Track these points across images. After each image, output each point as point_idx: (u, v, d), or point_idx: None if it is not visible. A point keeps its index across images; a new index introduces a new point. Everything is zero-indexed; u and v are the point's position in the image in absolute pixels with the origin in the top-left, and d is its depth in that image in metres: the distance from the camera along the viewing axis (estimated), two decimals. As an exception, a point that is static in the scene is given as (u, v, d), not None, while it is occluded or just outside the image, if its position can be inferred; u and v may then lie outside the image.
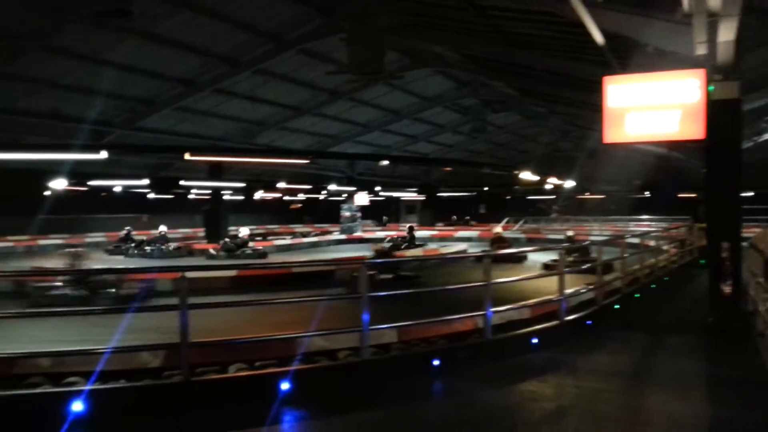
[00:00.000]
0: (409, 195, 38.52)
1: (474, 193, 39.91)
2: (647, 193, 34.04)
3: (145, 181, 25.31)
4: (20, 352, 5.60)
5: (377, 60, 14.45)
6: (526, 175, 24.65)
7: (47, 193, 27.11)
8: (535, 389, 5.81)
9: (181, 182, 25.42)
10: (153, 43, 14.99)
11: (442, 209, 38.67)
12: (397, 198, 41.07)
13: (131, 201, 33.65)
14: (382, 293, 6.51)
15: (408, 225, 24.68)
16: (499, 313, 6.98)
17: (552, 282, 8.09)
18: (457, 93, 24.54)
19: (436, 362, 6.18)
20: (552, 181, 29.03)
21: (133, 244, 23.37)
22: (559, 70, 14.98)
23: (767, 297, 6.53)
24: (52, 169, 22.52)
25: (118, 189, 29.72)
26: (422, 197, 37.98)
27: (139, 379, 5.40)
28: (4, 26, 12.71)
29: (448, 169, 33.40)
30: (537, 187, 32.29)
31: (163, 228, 23.74)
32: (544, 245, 23.58)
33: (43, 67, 15.09)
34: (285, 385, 5.37)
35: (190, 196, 33.62)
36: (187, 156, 14.14)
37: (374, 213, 39.51)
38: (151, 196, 33.79)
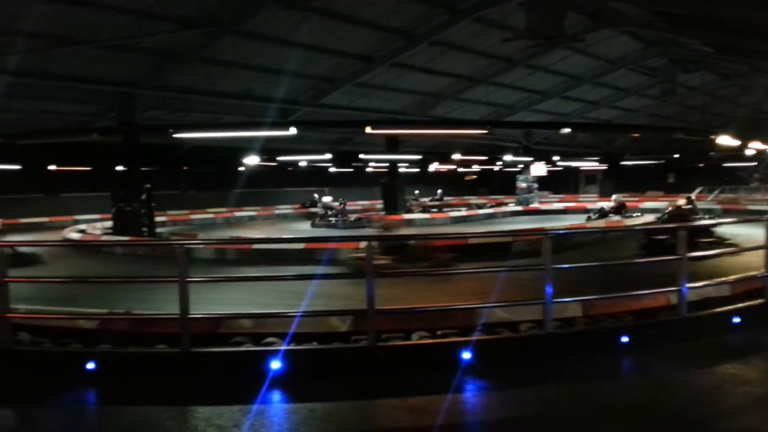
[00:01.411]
0: (589, 165, 36.82)
1: (662, 162, 37.17)
2: None
3: (328, 156, 26.54)
4: (226, 313, 6.15)
5: (557, 23, 13.88)
6: (725, 140, 22.44)
7: (241, 168, 29.41)
8: (738, 372, 5.32)
9: (360, 156, 26.33)
10: (334, 21, 15.56)
11: (626, 179, 36.55)
12: (576, 168, 39.47)
13: (314, 175, 35.51)
14: (566, 266, 6.27)
15: (614, 195, 23.40)
16: (695, 289, 6.47)
17: (756, 257, 7.32)
18: (643, 54, 22.95)
19: (624, 339, 5.88)
20: (755, 146, 26.17)
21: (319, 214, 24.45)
22: (763, 22, 13.39)
23: None
24: (245, 146, 24.37)
25: (303, 164, 31.47)
26: (603, 167, 36.16)
27: (329, 342, 5.70)
28: (202, 14, 13.87)
29: (636, 135, 31.39)
30: (735, 153, 29.30)
31: (326, 199, 24.61)
32: (744, 217, 21.43)
33: (235, 51, 16.27)
34: (466, 355, 5.40)
35: (368, 170, 34.81)
36: (368, 130, 14.59)
37: (551, 184, 38.33)
38: (332, 169, 35.47)
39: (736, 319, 6.48)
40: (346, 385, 5.16)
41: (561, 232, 10.22)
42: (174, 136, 17.72)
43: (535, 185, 32.29)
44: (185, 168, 31.52)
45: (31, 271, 11.67)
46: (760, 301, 6.78)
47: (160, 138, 21.10)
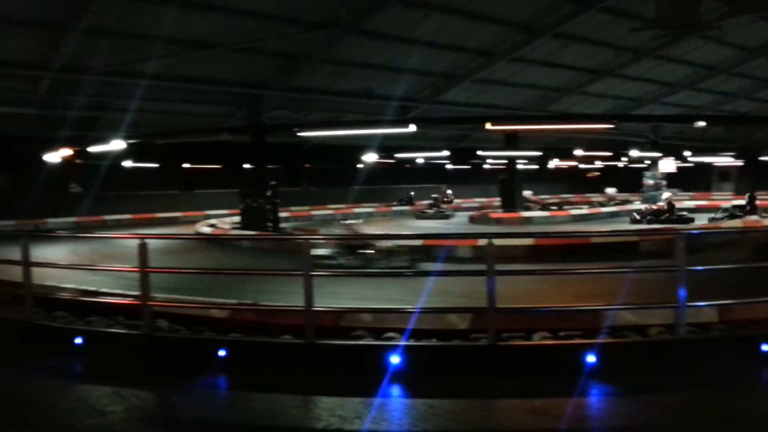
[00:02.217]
0: (723, 160, 34.48)
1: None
2: None
3: (444, 153, 26.51)
4: (347, 307, 6.30)
5: (691, 10, 13.09)
6: None
7: (359, 166, 30.00)
8: None
9: (478, 152, 26.11)
10: (455, 16, 15.49)
11: (765, 176, 33.90)
12: (709, 164, 37.10)
13: (431, 172, 35.57)
14: (701, 267, 5.89)
15: (748, 193, 22.04)
16: None
17: None
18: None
19: (766, 347, 5.45)
20: None
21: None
22: None
23: None
24: (363, 144, 24.82)
25: (420, 161, 31.63)
26: (740, 163, 33.75)
27: (448, 340, 5.69)
28: (325, 15, 14.26)
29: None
30: None
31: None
32: None
33: (356, 50, 16.60)
34: (590, 358, 5.20)
35: (485, 167, 34.45)
36: (488, 126, 14.41)
37: (681, 181, 36.22)
38: (449, 166, 35.40)
39: None
40: (465, 383, 5.12)
41: (695, 232, 9.59)
42: (298, 134, 18.35)
43: (664, 182, 30.65)
44: (306, 165, 32.58)
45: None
46: None
47: (284, 137, 21.91)
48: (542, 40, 17.64)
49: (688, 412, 4.58)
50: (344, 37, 15.61)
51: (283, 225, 19.94)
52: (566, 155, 30.81)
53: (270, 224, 18.04)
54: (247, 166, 19.97)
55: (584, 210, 27.17)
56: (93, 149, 19.95)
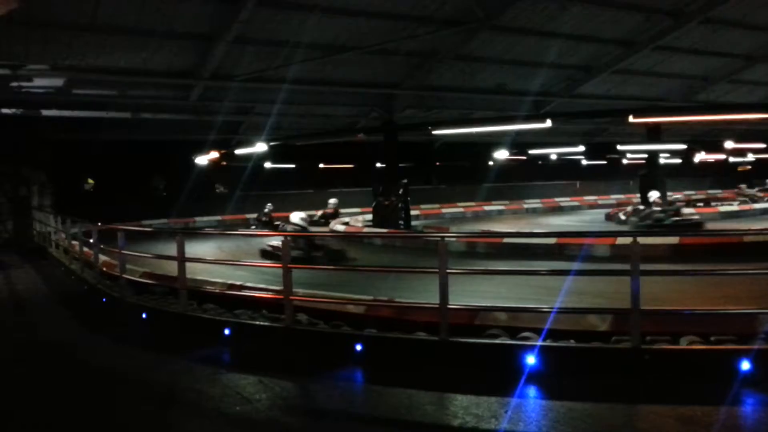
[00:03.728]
0: None
1: None
2: None
3: (580, 148, 25.63)
4: (482, 306, 6.26)
5: None
6: None
7: (490, 163, 29.67)
8: None
9: (618, 147, 25.00)
10: (593, 6, 14.95)
11: None
12: None
13: (565, 168, 34.51)
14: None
15: None
16: None
17: None
18: None
19: None
20: None
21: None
22: None
23: None
24: (494, 141, 24.52)
25: (553, 157, 30.78)
26: None
27: (587, 341, 5.51)
28: (458, 13, 14.24)
29: None
30: None
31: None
32: None
33: (489, 46, 16.43)
34: (745, 365, 4.87)
35: (624, 161, 32.91)
36: (631, 119, 13.70)
37: None
38: (584, 162, 34.17)
39: None
40: (605, 387, 4.97)
41: None
42: (432, 133, 18.47)
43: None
44: (437, 163, 32.69)
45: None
46: None
47: (415, 135, 22.12)
48: (689, 26, 16.57)
49: None
50: (478, 34, 15.49)
51: (414, 223, 20.14)
52: (714, 148, 28.74)
53: (401, 222, 18.28)
54: (379, 165, 20.36)
55: (735, 206, 25.21)
56: (237, 152, 21.16)
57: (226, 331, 6.57)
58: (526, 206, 30.90)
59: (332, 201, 22.79)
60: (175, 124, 21.28)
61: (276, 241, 11.92)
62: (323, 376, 5.51)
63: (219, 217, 25.67)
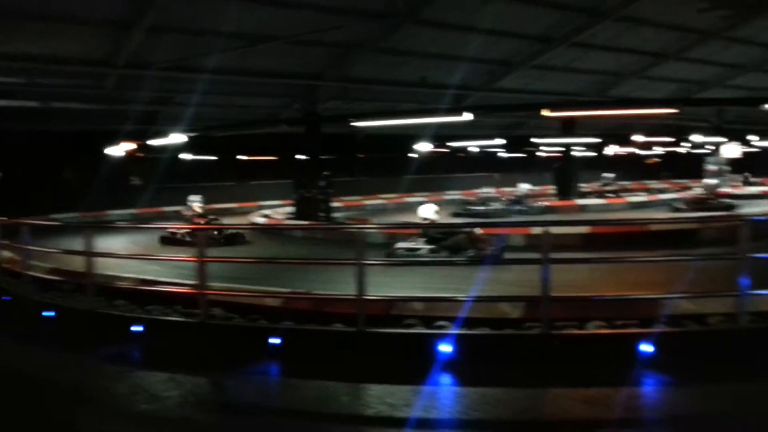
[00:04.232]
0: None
1: None
2: None
3: (498, 141, 26.17)
4: (398, 296, 6.31)
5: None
6: None
7: (412, 155, 29.91)
8: None
9: (533, 140, 25.67)
10: (513, 3, 15.25)
11: None
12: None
13: (484, 160, 35.19)
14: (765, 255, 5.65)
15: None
16: None
17: None
18: None
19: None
20: None
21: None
22: None
23: None
24: (417, 133, 24.73)
25: (474, 149, 31.33)
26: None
27: (500, 329, 5.64)
28: (383, 6, 14.25)
29: None
30: None
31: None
32: None
33: (412, 40, 16.52)
34: (647, 347, 5.09)
35: (540, 154, 33.88)
36: (544, 112, 14.13)
37: (747, 167, 34.82)
38: (503, 155, 34.97)
39: None
40: (517, 372, 5.08)
41: (761, 218, 9.19)
42: (352, 125, 18.44)
43: (727, 168, 29.51)
44: (359, 155, 32.67)
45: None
46: None
47: (338, 127, 22.05)
48: (605, 23, 17.19)
49: (746, 403, 4.46)
50: (401, 27, 15.56)
51: (335, 215, 20.08)
52: (625, 142, 30.00)
53: (323, 214, 18.20)
54: (301, 156, 20.18)
55: (643, 197, 26.40)
56: (153, 142, 20.51)
57: (138, 328, 6.35)
58: (446, 197, 31.34)
59: (193, 199, 17.38)
60: (89, 113, 20.44)
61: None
62: (238, 371, 5.41)
63: (134, 210, 24.83)
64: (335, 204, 20.95)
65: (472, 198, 25.11)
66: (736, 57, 22.46)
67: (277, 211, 21.05)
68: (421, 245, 11.37)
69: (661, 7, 16.88)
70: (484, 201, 22.44)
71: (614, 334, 5.38)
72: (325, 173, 18.75)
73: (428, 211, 12.32)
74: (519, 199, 22.70)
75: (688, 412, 4.36)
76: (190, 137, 19.09)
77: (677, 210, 21.49)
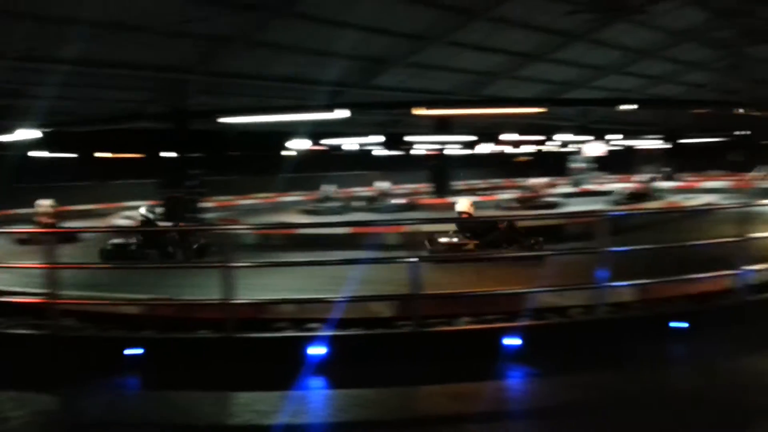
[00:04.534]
0: (650, 143, 35.65)
1: (727, 139, 35.64)
2: None
3: (375, 138, 26.30)
4: (268, 299, 6.11)
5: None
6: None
7: (289, 153, 29.46)
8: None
9: (407, 138, 26.01)
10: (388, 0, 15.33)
11: (688, 158, 35.23)
12: (636, 147, 38.22)
13: (362, 158, 35.31)
14: (624, 248, 5.98)
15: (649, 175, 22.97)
16: (758, 272, 6.11)
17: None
18: (711, 25, 21.83)
19: (680, 324, 5.59)
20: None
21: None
22: None
23: None
24: (294, 131, 24.40)
25: (352, 147, 31.31)
26: (665, 145, 34.98)
27: (373, 328, 5.59)
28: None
29: (699, 112, 30.09)
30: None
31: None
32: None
33: (287, 34, 16.21)
34: (513, 341, 5.24)
35: (418, 152, 34.45)
36: (415, 111, 14.35)
37: (611, 164, 37.25)
38: (381, 152, 35.26)
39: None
40: (389, 372, 5.06)
41: (620, 214, 9.77)
42: (222, 121, 17.87)
43: (592, 165, 31.39)
44: (233, 153, 31.73)
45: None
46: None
47: (208, 123, 21.28)
48: (477, 23, 17.69)
49: (609, 389, 4.68)
50: (274, 20, 15.23)
51: (207, 215, 19.36)
52: (498, 140, 31.18)
53: (192, 215, 17.49)
54: (169, 154, 19.30)
55: (512, 195, 27.46)
56: (2, 139, 18.86)
57: (-24, 344, 5.75)
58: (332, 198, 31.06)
59: (42, 203, 14.95)
60: None
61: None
62: (93, 386, 5.00)
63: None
64: (206, 204, 20.23)
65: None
66: (599, 59, 23.90)
67: (142, 213, 19.92)
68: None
69: (530, 9, 17.62)
70: (324, 199, 22.57)
71: (482, 329, 5.48)
72: (195, 172, 18.03)
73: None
74: (375, 197, 23.00)
75: (552, 403, 4.51)
76: (46, 133, 17.72)
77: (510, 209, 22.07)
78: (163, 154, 19.89)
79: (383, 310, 5.88)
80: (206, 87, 18.72)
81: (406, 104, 20.57)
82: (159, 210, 12.98)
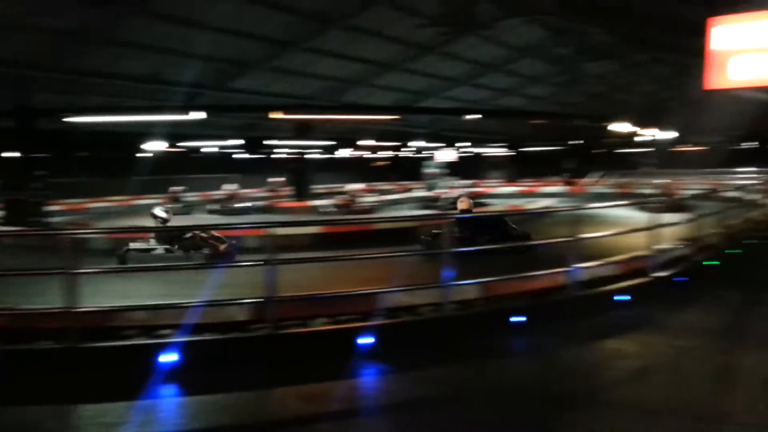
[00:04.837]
0: (496, 151, 37.80)
1: (565, 147, 38.66)
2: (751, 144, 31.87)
3: (234, 141, 25.90)
4: (115, 306, 5.87)
5: (467, 10, 14.04)
6: (620, 127, 23.58)
7: (145, 154, 28.20)
8: (621, 347, 5.61)
9: (267, 141, 25.86)
10: (246, 3, 15.18)
11: (530, 165, 37.76)
12: (484, 154, 40.37)
13: (223, 161, 34.53)
14: (465, 249, 6.38)
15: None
16: (585, 269, 6.74)
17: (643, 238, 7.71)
18: (550, 42, 23.64)
19: (519, 319, 6.06)
20: (650, 133, 27.58)
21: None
22: (663, 13, 14.05)
23: None
24: (149, 132, 23.42)
25: (209, 149, 30.57)
26: (509, 153, 37.23)
27: (227, 332, 5.54)
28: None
29: (539, 122, 32.41)
30: (631, 140, 30.89)
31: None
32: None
33: (143, 33, 15.63)
34: (366, 340, 5.41)
35: (278, 156, 34.20)
36: (272, 115, 14.31)
37: (461, 170, 39.00)
38: (241, 156, 34.68)
39: (624, 297, 6.81)
40: (244, 376, 5.05)
41: (467, 216, 10.34)
42: (67, 120, 16.80)
43: (444, 171, 32.75)
44: (84, 154, 29.88)
45: None
46: (644, 279, 7.14)
47: (58, 123, 19.94)
48: (335, 31, 17.94)
49: (456, 383, 4.95)
50: (128, 17, 14.58)
51: (54, 219, 18.13)
52: (355, 145, 31.72)
53: (38, 219, 16.32)
54: (10, 154, 17.86)
55: (372, 198, 28.05)
56: None
57: None
58: (186, 199, 30.05)
59: None
60: None
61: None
62: None
63: None
64: (54, 208, 18.94)
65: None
66: (449, 71, 25.04)
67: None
68: (155, 245, 10.86)
69: (385, 20, 18.14)
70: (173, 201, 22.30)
71: (337, 329, 5.60)
72: (41, 173, 16.82)
73: (160, 211, 11.84)
74: (229, 199, 22.92)
75: (404, 398, 4.69)
76: None
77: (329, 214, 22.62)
78: (4, 154, 18.33)
79: (238, 314, 5.84)
80: (55, 84, 17.53)
81: (265, 108, 20.43)
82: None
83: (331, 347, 5.42)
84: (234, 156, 34.36)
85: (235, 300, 5.98)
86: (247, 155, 34.83)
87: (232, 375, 5.04)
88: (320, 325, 5.71)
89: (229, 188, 23.26)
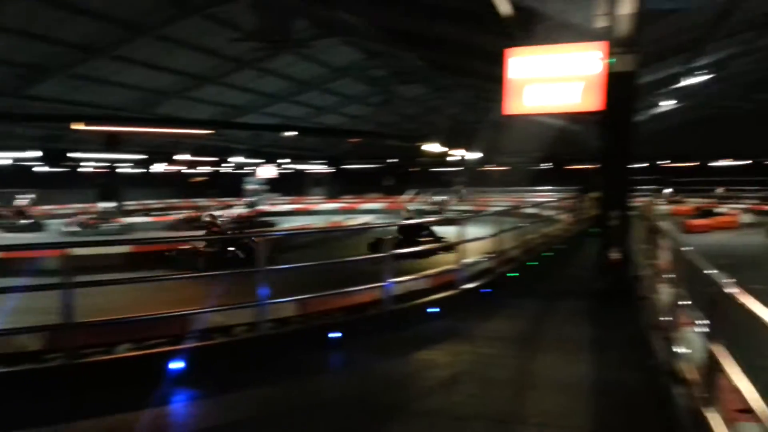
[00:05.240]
0: (317, 168, 38.23)
1: (382, 166, 40.11)
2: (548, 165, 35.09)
3: (33, 153, 23.84)
4: None
5: (284, 28, 14.07)
6: (430, 147, 24.98)
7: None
8: (432, 357, 5.86)
9: (72, 154, 24.08)
10: (46, 5, 14.08)
11: (350, 182, 38.62)
12: (305, 171, 40.65)
13: (20, 175, 31.46)
14: (282, 266, 6.34)
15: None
16: (399, 283, 6.99)
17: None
18: (366, 64, 24.45)
19: (335, 335, 6.12)
20: (459, 153, 29.49)
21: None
22: (466, 42, 15.04)
23: (649, 263, 6.83)
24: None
25: (5, 162, 27.77)
26: (330, 170, 37.84)
27: (16, 364, 5.02)
28: None
29: (357, 140, 33.37)
30: (442, 159, 32.76)
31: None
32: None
33: None
34: (177, 364, 5.16)
35: (86, 170, 31.86)
36: (75, 125, 13.33)
37: (283, 186, 38.91)
38: (41, 169, 31.85)
39: (435, 309, 7.15)
40: (37, 410, 4.61)
41: (278, 234, 10.31)
42: None
43: (264, 187, 32.49)
44: None
45: None
46: (453, 291, 7.57)
47: None
48: (146, 40, 17.14)
49: (272, 403, 4.88)
50: None
51: None
52: (172, 160, 30.47)
53: None
54: None
55: (185, 214, 27.03)
56: None
57: None
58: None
59: None
60: None
61: None
62: None
63: None
64: None
65: None
66: (268, 87, 24.96)
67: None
68: None
69: (199, 32, 17.67)
70: None
71: (144, 354, 5.29)
72: None
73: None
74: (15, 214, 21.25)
75: (213, 424, 4.52)
76: None
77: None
78: None
79: (30, 343, 5.30)
80: None
81: (67, 118, 18.98)
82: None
83: (139, 374, 5.10)
84: (33, 169, 31.42)
85: (26, 327, 5.42)
86: (49, 168, 31.99)
87: (28, 411, 4.60)
88: (125, 351, 5.36)
89: (20, 203, 21.27)
